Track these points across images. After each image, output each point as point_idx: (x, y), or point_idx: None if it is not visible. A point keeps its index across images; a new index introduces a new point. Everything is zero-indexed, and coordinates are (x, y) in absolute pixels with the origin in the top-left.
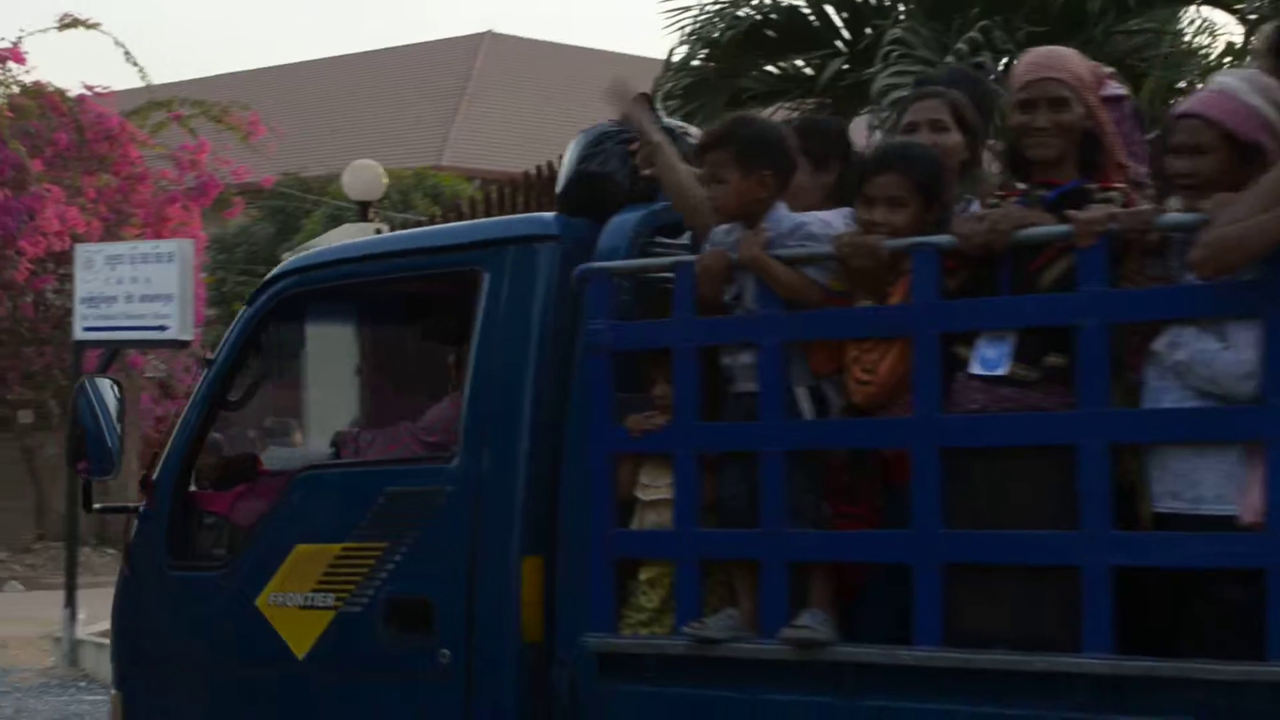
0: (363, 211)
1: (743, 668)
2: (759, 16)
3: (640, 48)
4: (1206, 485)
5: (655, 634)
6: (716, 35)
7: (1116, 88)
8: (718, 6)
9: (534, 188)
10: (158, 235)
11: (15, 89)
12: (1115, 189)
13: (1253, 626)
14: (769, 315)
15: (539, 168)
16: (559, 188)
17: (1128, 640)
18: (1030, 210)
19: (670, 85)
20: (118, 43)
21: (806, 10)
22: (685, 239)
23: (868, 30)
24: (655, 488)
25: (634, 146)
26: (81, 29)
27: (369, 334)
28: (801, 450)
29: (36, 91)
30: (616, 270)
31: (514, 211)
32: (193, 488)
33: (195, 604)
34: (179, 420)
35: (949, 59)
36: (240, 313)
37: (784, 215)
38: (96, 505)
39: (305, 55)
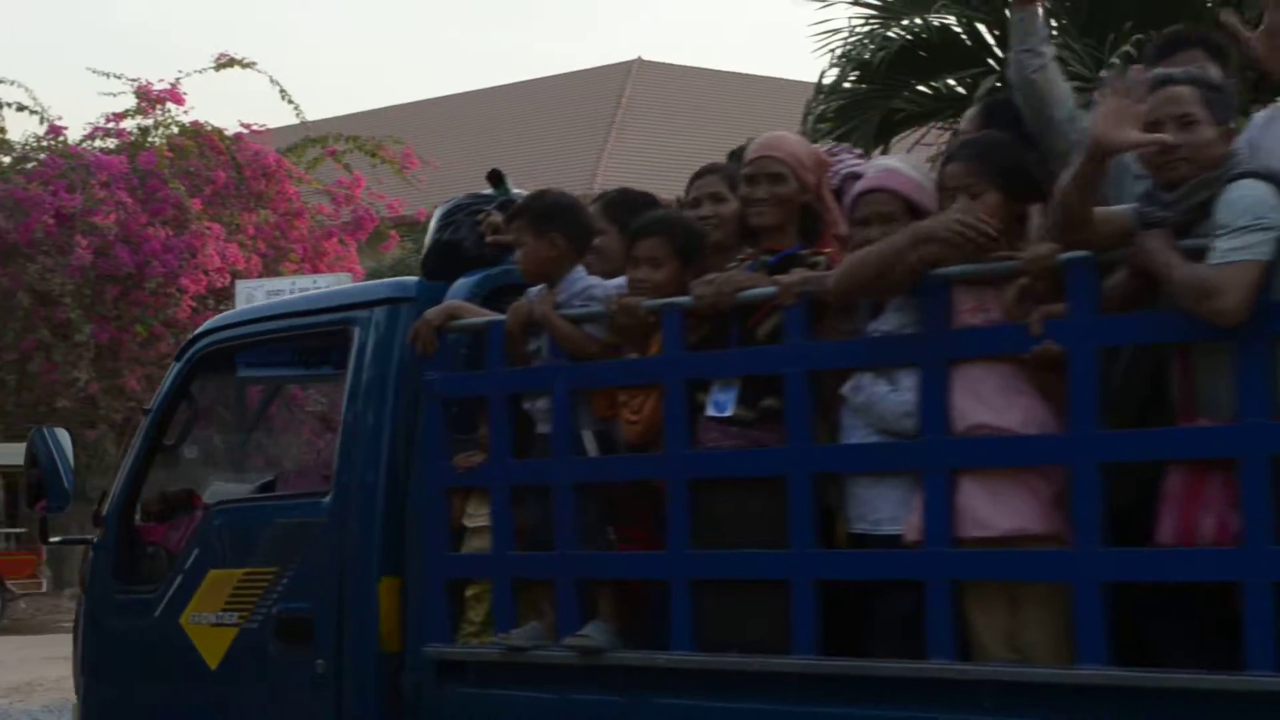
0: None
1: (545, 671)
2: (910, 36)
3: (789, 71)
4: (884, 509)
5: (479, 643)
6: (868, 56)
7: (854, 163)
8: (868, 28)
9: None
10: (315, 270)
11: (175, 129)
12: (823, 254)
13: (918, 629)
14: (555, 366)
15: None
16: (422, 256)
17: (838, 643)
18: (753, 274)
19: (822, 108)
20: (273, 81)
21: (958, 29)
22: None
23: None
24: (478, 516)
25: (481, 216)
26: (238, 68)
27: (272, 384)
28: (586, 483)
29: (195, 131)
30: (450, 328)
31: None
32: (138, 520)
33: (135, 622)
34: (125, 461)
35: (1103, 74)
36: (171, 367)
37: (579, 278)
38: (55, 538)
39: (457, 88)
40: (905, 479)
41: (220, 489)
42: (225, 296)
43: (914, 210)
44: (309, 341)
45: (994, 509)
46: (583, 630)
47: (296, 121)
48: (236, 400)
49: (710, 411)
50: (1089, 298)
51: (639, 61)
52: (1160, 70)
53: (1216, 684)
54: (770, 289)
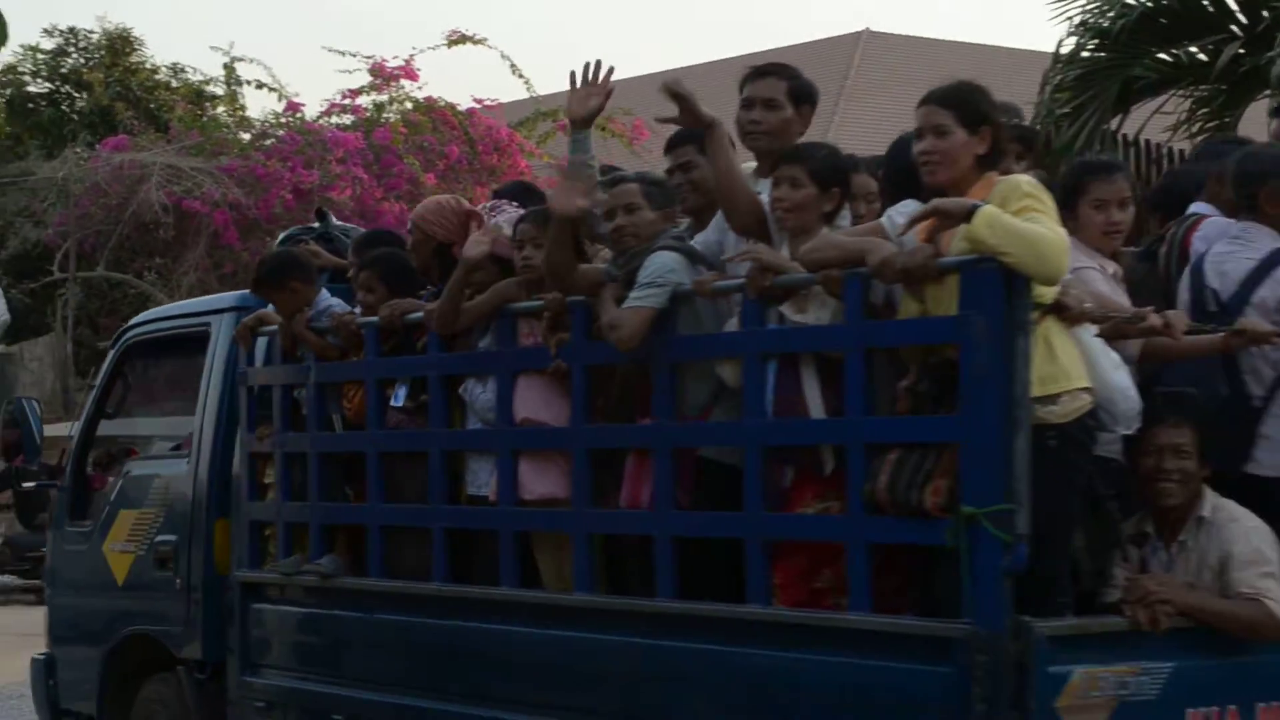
0: None
1: (306, 591)
2: (1151, 3)
3: (1022, 40)
4: (482, 477)
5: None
6: (1106, 24)
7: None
8: None
9: None
10: None
11: (409, 105)
12: None
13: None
14: (308, 366)
15: None
16: None
17: (468, 571)
18: (423, 301)
19: (1059, 78)
20: (504, 56)
21: None
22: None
23: (1265, 13)
24: (270, 475)
25: (302, 246)
26: (469, 44)
27: (171, 368)
28: (328, 452)
29: (428, 107)
30: (259, 331)
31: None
32: (90, 471)
33: (78, 548)
34: (80, 424)
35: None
36: (109, 353)
37: (324, 299)
38: (29, 484)
39: (685, 60)
40: (492, 456)
41: (149, 448)
42: None
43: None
44: (192, 336)
45: (535, 479)
46: (320, 560)
47: (527, 96)
48: (160, 377)
49: (392, 402)
50: (582, 328)
51: (867, 32)
52: (616, 172)
53: (652, 608)
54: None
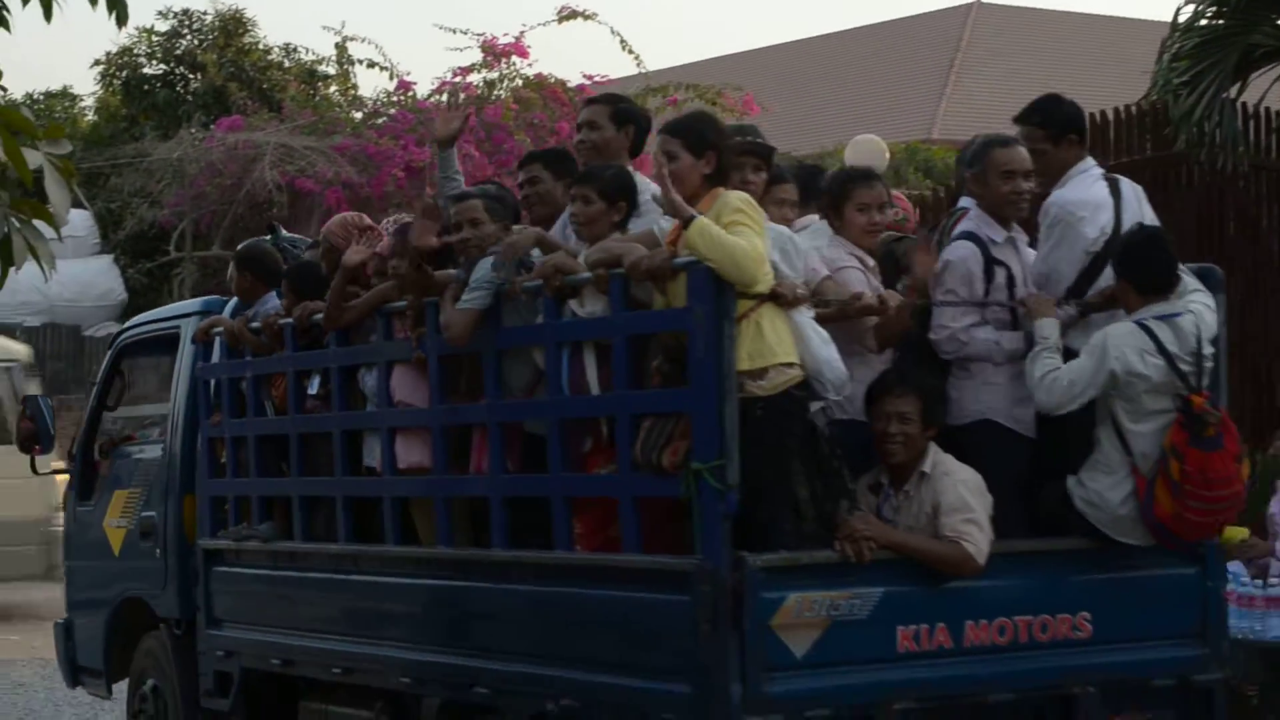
0: None
1: (253, 555)
2: None
3: (1135, 10)
4: (373, 451)
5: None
6: None
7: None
8: None
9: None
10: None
11: (519, 82)
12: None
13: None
14: (246, 362)
15: None
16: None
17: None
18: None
19: (1177, 46)
20: (614, 32)
21: None
22: None
23: None
24: (224, 455)
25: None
26: (579, 20)
27: (155, 364)
28: (265, 435)
29: (539, 84)
30: (212, 334)
31: None
32: (96, 456)
33: (85, 524)
34: (86, 415)
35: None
36: (106, 353)
37: (268, 300)
38: (43, 470)
39: (795, 35)
40: (379, 433)
41: (145, 435)
42: None
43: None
44: (167, 337)
45: (406, 451)
46: (259, 526)
47: (637, 72)
48: (147, 372)
49: (309, 390)
50: (433, 325)
51: (978, 4)
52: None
53: (486, 557)
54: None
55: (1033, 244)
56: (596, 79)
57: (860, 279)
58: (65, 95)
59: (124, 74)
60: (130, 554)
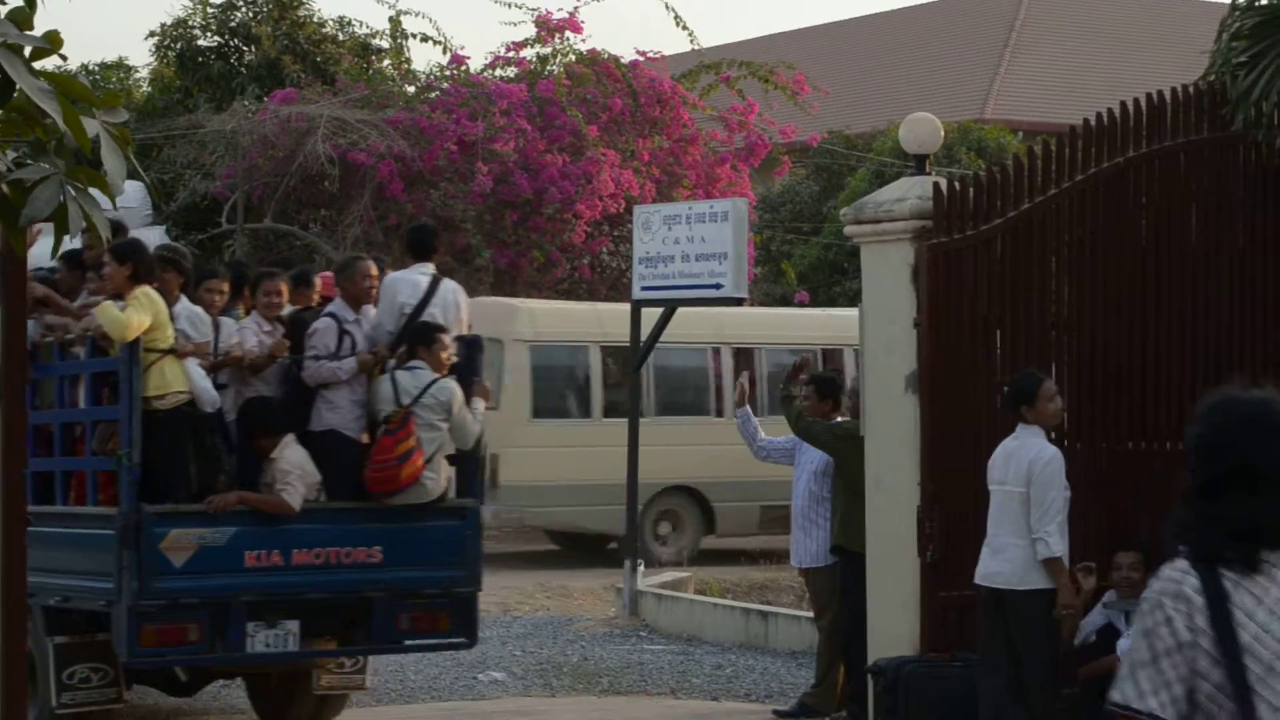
0: (920, 164)
1: None
2: None
3: None
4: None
5: None
6: None
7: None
8: None
9: (1080, 140)
10: (708, 196)
11: (572, 57)
12: None
13: None
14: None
15: (1086, 120)
16: None
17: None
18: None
19: (1236, 25)
20: (668, 8)
21: None
22: None
23: None
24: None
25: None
26: None
27: None
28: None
29: (592, 59)
30: None
31: (1067, 165)
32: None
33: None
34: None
35: None
36: None
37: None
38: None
39: (849, 13)
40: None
41: None
42: (619, 222)
43: None
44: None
45: None
46: None
47: (690, 48)
48: None
49: None
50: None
51: None
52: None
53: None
54: None
55: None
56: (650, 55)
57: (254, 338)
58: (120, 66)
59: (179, 46)
60: None
